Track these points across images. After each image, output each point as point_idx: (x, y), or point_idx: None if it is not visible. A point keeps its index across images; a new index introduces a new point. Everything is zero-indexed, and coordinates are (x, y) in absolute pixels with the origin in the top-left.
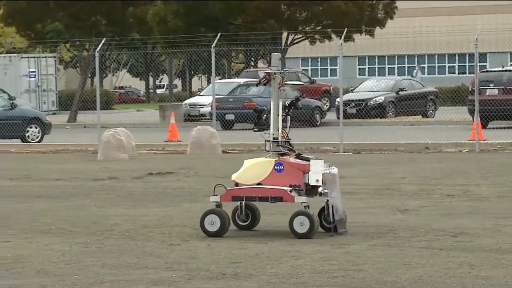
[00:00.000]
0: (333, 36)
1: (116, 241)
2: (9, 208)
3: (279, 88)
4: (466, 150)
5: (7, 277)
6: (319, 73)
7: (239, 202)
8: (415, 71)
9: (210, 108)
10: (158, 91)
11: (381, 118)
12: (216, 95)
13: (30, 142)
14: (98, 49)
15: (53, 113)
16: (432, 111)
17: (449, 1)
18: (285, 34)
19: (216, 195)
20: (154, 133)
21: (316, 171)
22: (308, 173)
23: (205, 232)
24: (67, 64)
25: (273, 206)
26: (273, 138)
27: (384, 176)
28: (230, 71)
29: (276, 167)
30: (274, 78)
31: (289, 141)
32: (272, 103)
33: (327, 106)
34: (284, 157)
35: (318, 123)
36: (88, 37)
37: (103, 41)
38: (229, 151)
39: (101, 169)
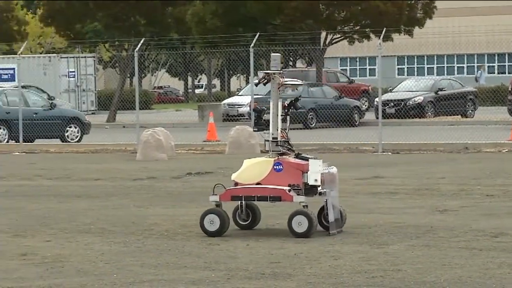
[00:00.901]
0: (372, 36)
1: (155, 240)
2: (49, 207)
3: (279, 88)
4: (506, 150)
5: (48, 276)
6: (358, 73)
7: (239, 201)
8: (479, 71)
9: (248, 108)
10: (197, 91)
11: (420, 118)
12: (255, 95)
13: (69, 142)
14: (137, 49)
15: (92, 113)
16: (472, 111)
17: (488, 1)
18: (323, 34)
19: (216, 194)
20: (193, 133)
21: (315, 171)
22: (307, 172)
23: (205, 231)
24: (106, 64)
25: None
26: (273, 138)
27: (423, 176)
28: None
29: (275, 167)
30: (273, 78)
31: (288, 141)
32: (271, 103)
33: (366, 106)
34: (284, 156)
35: (356, 123)
36: (127, 37)
37: (142, 41)
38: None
39: (140, 169)
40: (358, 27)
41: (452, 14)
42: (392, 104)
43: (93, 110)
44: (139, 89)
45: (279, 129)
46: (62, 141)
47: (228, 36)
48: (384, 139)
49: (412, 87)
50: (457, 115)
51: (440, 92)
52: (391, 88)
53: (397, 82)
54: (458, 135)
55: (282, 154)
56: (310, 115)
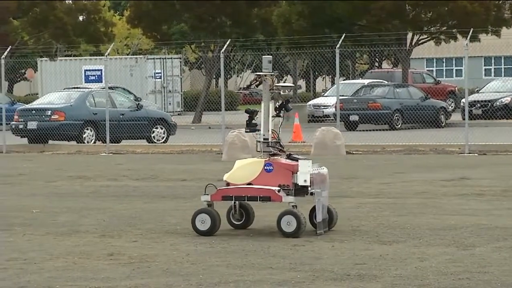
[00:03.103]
0: (458, 36)
1: (241, 241)
2: (135, 208)
3: (270, 90)
4: None
5: (134, 276)
6: (444, 74)
7: (233, 202)
8: None
9: (334, 109)
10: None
11: (507, 119)
12: (340, 96)
13: (155, 142)
14: (223, 50)
15: (178, 114)
16: None
17: None
18: (410, 35)
19: (207, 194)
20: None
21: (304, 171)
22: (297, 173)
23: (196, 231)
24: (192, 65)
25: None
26: (264, 139)
27: (510, 178)
28: (354, 72)
29: (265, 167)
30: (265, 80)
31: (279, 142)
32: (262, 105)
33: (452, 107)
34: (275, 157)
35: (443, 124)
36: (213, 38)
37: (228, 42)
38: (353, 152)
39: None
40: (444, 28)
41: None
42: (479, 105)
43: (179, 111)
44: (225, 90)
45: (270, 130)
46: (149, 142)
47: (313, 37)
48: (470, 140)
49: (500, 88)
50: None
51: None
52: (478, 89)
53: (484, 83)
54: None
55: (274, 154)
56: (396, 116)
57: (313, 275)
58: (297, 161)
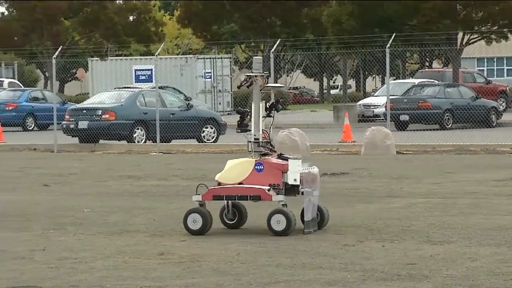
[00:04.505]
0: (509, 36)
1: (291, 241)
2: (185, 207)
3: (261, 90)
4: None
5: (184, 276)
6: (495, 74)
7: (225, 201)
8: None
9: (384, 109)
10: (332, 91)
11: None
12: (391, 95)
13: (205, 142)
14: (273, 49)
15: (228, 114)
16: None
17: None
18: (460, 34)
19: (199, 194)
20: (328, 134)
21: (294, 171)
22: (287, 172)
23: (188, 230)
24: (242, 65)
25: None
26: (255, 139)
27: None
28: (405, 72)
29: (256, 167)
30: (255, 81)
31: (270, 142)
32: (253, 105)
33: (503, 106)
34: (265, 157)
35: (494, 124)
36: (263, 38)
37: (277, 42)
38: (404, 152)
39: None
40: (495, 27)
41: None
42: None
43: (229, 111)
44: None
45: (261, 130)
46: (199, 142)
47: (363, 37)
48: None
49: None
50: None
51: None
52: None
53: None
54: None
55: (265, 154)
56: (447, 116)
57: (363, 275)
58: (287, 160)
